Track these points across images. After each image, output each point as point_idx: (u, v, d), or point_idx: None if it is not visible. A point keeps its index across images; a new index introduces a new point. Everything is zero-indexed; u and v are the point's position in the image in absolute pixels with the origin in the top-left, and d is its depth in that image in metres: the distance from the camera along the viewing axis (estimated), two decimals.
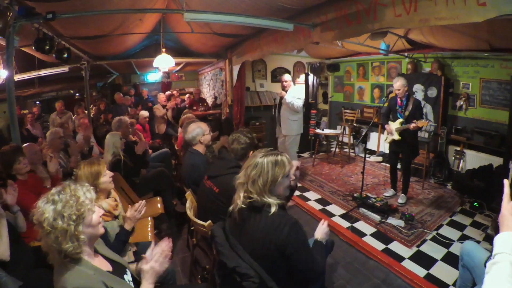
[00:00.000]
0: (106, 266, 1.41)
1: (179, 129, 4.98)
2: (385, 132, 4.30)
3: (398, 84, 4.00)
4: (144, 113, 6.29)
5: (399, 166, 4.58)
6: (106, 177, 2.20)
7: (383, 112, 4.44)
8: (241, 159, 2.44)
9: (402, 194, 4.34)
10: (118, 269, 1.47)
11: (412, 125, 3.81)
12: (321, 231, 1.93)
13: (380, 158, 6.39)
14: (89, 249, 1.33)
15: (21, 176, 2.58)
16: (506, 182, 1.12)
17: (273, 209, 1.56)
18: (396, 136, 4.08)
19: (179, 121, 5.30)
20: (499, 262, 0.94)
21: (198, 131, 3.08)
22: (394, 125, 4.12)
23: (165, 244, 1.62)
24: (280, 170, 1.62)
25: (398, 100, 4.12)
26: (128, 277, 1.50)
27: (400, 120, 4.05)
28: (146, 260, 1.53)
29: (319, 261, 1.71)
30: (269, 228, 1.53)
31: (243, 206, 1.61)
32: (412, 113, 3.95)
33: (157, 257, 1.54)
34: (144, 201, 2.20)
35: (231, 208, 1.72)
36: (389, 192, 4.53)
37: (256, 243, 1.55)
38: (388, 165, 4.70)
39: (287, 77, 4.89)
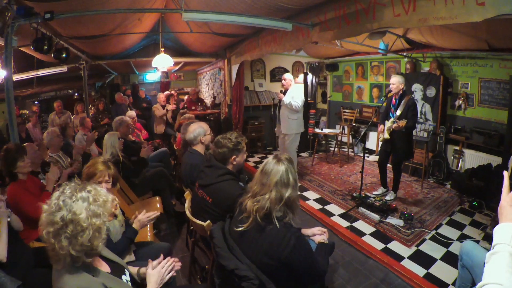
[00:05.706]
0: (105, 267, 1.40)
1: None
2: (379, 131, 4.31)
3: (394, 79, 4.03)
4: (131, 113, 6.18)
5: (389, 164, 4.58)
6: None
7: (382, 111, 4.45)
8: (224, 164, 2.33)
9: (391, 191, 4.36)
10: (117, 270, 1.46)
11: (394, 125, 3.86)
12: (320, 238, 2.04)
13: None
14: None
15: (22, 175, 2.55)
16: (505, 173, 1.12)
17: (286, 219, 1.57)
18: (386, 135, 4.10)
19: (176, 121, 5.28)
20: (498, 252, 0.95)
21: (199, 131, 3.06)
22: (387, 124, 4.13)
23: (176, 260, 1.65)
24: (294, 165, 1.70)
25: (393, 99, 4.14)
26: (126, 277, 1.49)
27: (392, 119, 4.06)
28: (152, 265, 1.54)
29: (322, 263, 1.74)
30: (274, 240, 1.51)
31: (259, 220, 1.56)
32: (403, 113, 3.94)
33: (164, 263, 1.56)
34: (158, 212, 2.23)
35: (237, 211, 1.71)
36: (379, 190, 4.54)
37: (258, 252, 1.54)
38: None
39: (287, 76, 4.92)
